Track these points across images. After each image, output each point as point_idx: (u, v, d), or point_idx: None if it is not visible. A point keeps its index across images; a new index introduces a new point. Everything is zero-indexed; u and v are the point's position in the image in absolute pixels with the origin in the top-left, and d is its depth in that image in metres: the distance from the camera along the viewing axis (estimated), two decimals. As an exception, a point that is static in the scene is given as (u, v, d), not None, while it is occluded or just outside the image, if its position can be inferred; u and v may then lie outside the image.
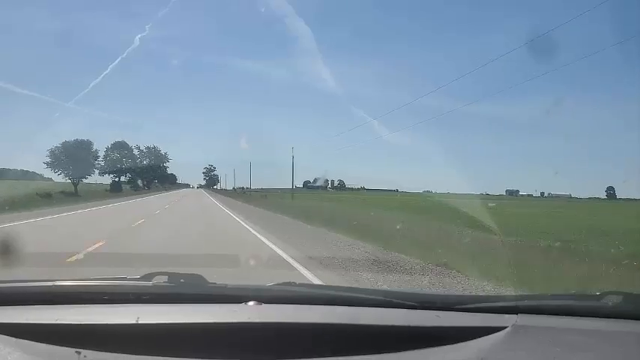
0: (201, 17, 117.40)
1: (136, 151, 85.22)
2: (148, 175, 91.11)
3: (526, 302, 1.78)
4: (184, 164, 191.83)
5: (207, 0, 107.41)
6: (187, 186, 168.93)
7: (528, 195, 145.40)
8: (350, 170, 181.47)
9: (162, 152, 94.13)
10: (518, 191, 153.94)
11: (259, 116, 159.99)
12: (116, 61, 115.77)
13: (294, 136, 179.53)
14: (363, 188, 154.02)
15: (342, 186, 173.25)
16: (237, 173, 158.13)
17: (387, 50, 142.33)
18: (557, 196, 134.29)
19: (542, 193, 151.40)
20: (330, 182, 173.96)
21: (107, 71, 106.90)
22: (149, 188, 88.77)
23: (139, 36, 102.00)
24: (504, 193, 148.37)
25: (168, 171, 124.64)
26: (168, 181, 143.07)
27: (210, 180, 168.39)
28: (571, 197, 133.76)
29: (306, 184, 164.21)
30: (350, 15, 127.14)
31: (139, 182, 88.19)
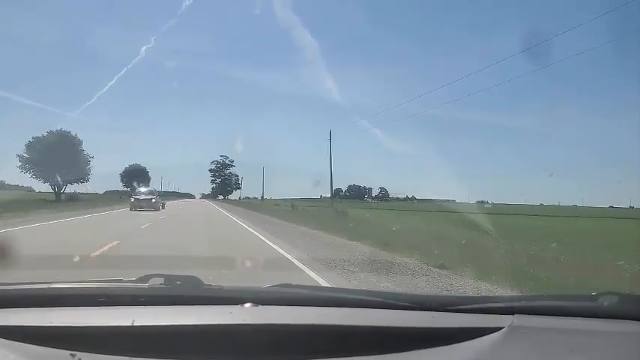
0: (207, 28, 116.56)
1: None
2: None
3: (522, 303, 1.75)
4: (188, 173, 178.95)
5: (213, 11, 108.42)
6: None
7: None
8: (392, 178, 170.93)
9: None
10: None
11: (268, 125, 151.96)
12: (122, 72, 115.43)
13: (312, 144, 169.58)
14: (413, 198, 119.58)
15: (384, 195, 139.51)
16: (246, 181, 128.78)
17: (407, 58, 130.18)
18: None
19: None
20: (367, 191, 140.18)
21: (112, 82, 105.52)
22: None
23: (145, 47, 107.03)
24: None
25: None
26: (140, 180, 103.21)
27: (223, 185, 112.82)
28: None
29: (337, 192, 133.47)
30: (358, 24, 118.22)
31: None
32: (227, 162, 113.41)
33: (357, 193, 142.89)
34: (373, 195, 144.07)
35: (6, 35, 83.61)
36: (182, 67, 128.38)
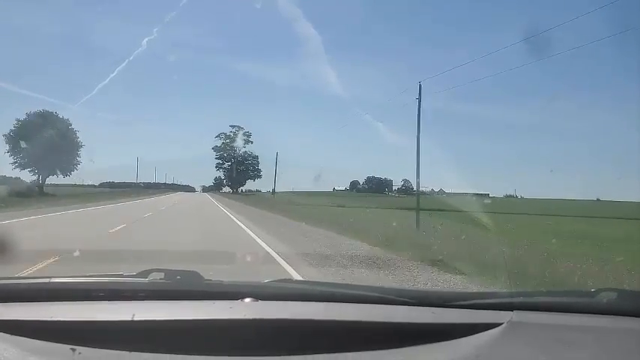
0: (209, 20, 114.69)
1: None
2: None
3: (521, 299, 1.76)
4: (189, 166, 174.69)
5: (215, 3, 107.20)
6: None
7: None
8: (412, 170, 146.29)
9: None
10: None
11: (269, 118, 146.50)
12: (123, 64, 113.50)
13: (318, 137, 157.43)
14: (441, 191, 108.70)
15: (408, 189, 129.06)
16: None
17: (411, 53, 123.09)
18: None
19: None
20: (388, 183, 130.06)
21: (114, 74, 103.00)
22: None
23: (147, 39, 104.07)
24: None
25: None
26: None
27: (234, 171, 75.56)
28: None
29: (354, 185, 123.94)
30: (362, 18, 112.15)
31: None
32: (236, 135, 73.45)
33: (377, 186, 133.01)
34: (395, 188, 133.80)
35: (6, 26, 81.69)
36: (184, 59, 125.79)
